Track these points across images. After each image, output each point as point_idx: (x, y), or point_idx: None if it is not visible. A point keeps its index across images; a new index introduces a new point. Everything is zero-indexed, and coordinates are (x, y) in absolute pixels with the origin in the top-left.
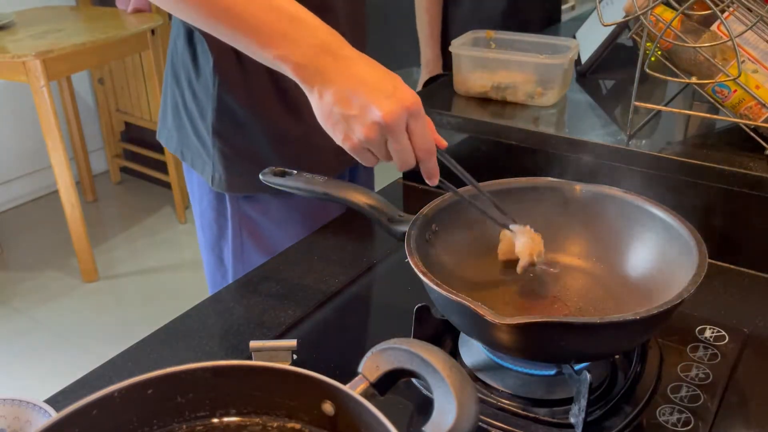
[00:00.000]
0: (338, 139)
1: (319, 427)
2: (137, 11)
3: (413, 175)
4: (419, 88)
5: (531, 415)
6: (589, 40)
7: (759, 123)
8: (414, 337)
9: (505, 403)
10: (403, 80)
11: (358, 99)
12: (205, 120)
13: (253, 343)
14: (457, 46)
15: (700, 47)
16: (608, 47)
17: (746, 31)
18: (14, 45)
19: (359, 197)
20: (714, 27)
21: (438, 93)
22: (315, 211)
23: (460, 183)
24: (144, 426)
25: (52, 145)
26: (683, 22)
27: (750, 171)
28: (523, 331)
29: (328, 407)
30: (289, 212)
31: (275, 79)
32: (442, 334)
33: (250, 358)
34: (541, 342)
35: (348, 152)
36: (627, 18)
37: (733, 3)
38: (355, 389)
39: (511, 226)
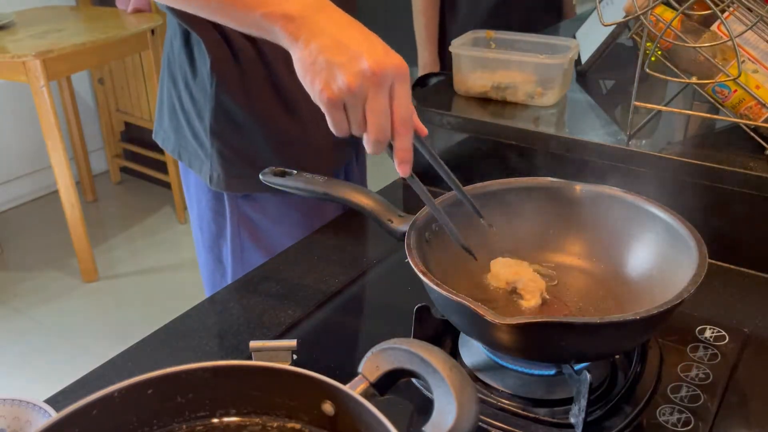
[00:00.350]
0: (316, 90)
1: (319, 427)
2: (137, 11)
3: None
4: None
5: (531, 415)
6: (589, 40)
7: (759, 123)
8: (414, 337)
9: (505, 403)
10: None
11: (348, 48)
12: (202, 120)
13: (253, 343)
14: (457, 46)
15: (700, 47)
16: (608, 47)
17: (746, 31)
18: (14, 45)
19: (359, 197)
20: (714, 27)
21: (438, 93)
22: (313, 210)
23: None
24: (144, 426)
25: (52, 145)
26: (683, 22)
27: (750, 171)
28: (523, 331)
29: (328, 407)
30: (288, 211)
31: (272, 78)
32: (442, 334)
33: (250, 358)
34: (541, 342)
35: (323, 107)
36: (627, 18)
37: (733, 3)
38: (355, 389)
39: (503, 260)
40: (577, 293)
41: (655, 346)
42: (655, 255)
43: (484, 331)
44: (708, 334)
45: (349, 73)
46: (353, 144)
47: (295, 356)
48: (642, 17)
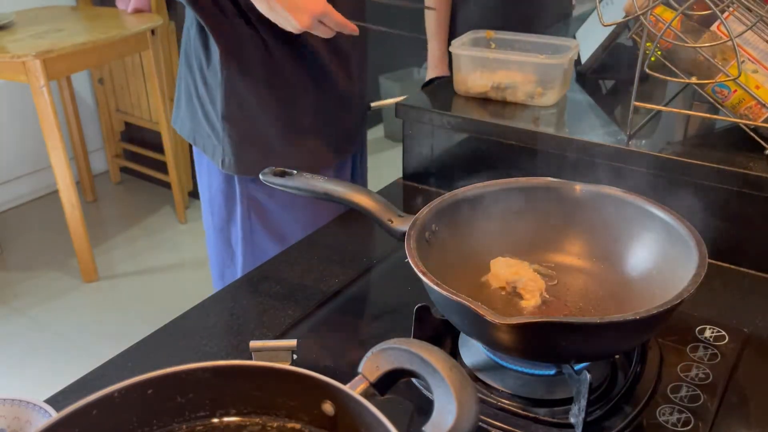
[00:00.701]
0: (296, 25)
1: (319, 427)
2: (137, 11)
3: (413, 175)
4: (425, 80)
5: (531, 415)
6: (589, 40)
7: (759, 123)
8: (414, 337)
9: (505, 403)
10: (404, 80)
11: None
12: (215, 106)
13: (253, 343)
14: (456, 46)
15: (700, 47)
16: (608, 47)
17: (746, 31)
18: (14, 45)
19: (359, 197)
20: (714, 27)
21: (438, 93)
22: None
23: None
24: (144, 426)
25: (52, 145)
26: (683, 22)
27: (750, 171)
28: (523, 331)
29: (328, 407)
30: (295, 195)
31: (278, 69)
32: (442, 334)
33: (250, 358)
34: (541, 342)
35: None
36: (627, 18)
37: (733, 3)
38: (355, 389)
39: (503, 260)
40: (577, 293)
41: (655, 346)
42: (655, 255)
43: (484, 331)
44: (708, 334)
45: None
46: (355, 137)
47: (295, 356)
48: (642, 17)
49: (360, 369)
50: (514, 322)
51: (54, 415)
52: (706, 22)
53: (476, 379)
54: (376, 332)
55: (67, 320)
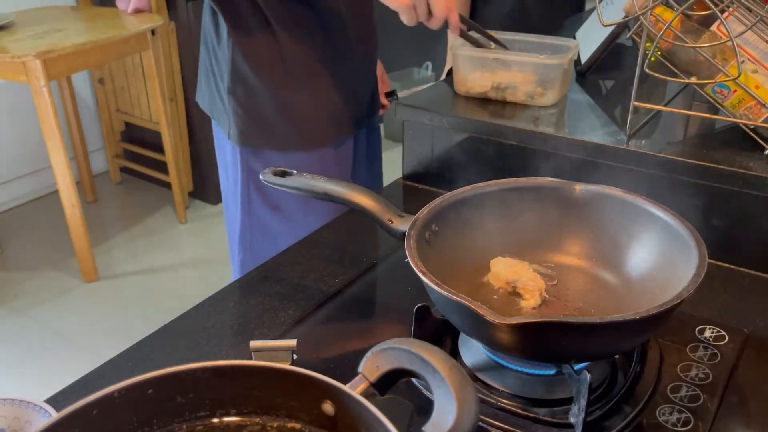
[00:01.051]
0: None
1: (319, 427)
2: (137, 11)
3: (413, 175)
4: (443, 76)
5: (531, 415)
6: (589, 40)
7: (759, 123)
8: (414, 337)
9: (505, 403)
10: (404, 80)
11: None
12: (223, 81)
13: (253, 343)
14: (456, 46)
15: (700, 47)
16: (608, 47)
17: (746, 31)
18: (14, 45)
19: (359, 197)
20: (714, 27)
21: (438, 93)
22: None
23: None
24: (144, 426)
25: (52, 145)
26: (683, 22)
27: (750, 171)
28: (522, 331)
29: (328, 407)
30: (290, 166)
31: (281, 50)
32: (442, 334)
33: (250, 358)
34: (541, 342)
35: (401, 12)
36: (627, 18)
37: (733, 3)
38: (355, 389)
39: (503, 260)
40: (577, 293)
41: (655, 346)
42: (655, 255)
43: (484, 331)
44: (708, 334)
45: None
46: (352, 121)
47: (295, 356)
48: (642, 17)
49: (360, 369)
50: (514, 322)
51: (54, 415)
52: (706, 22)
53: (476, 379)
54: (376, 332)
55: (67, 320)
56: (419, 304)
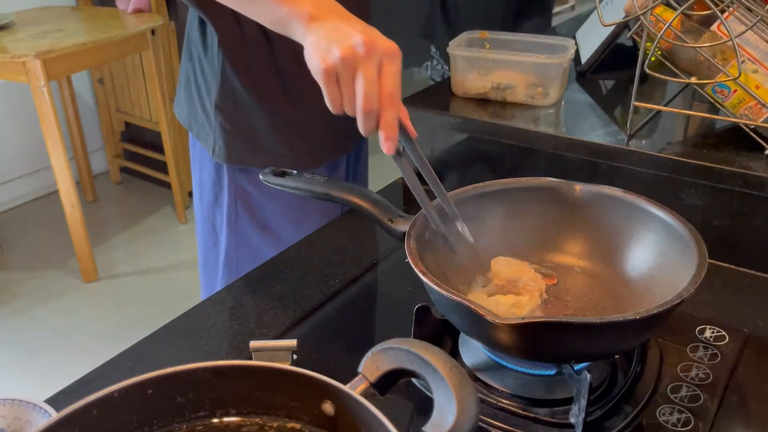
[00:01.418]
0: (315, 64)
1: (319, 427)
2: (137, 11)
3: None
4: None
5: (531, 415)
6: (589, 40)
7: (759, 123)
8: (414, 337)
9: (505, 403)
10: (404, 80)
11: (346, 30)
12: (210, 95)
13: (253, 343)
14: (454, 47)
15: (700, 47)
16: (608, 47)
17: (746, 31)
18: (14, 45)
19: (359, 197)
20: (714, 27)
21: (437, 93)
22: None
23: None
24: (144, 426)
25: (52, 145)
26: (683, 22)
27: (750, 171)
28: (522, 331)
29: (328, 407)
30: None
31: (276, 64)
32: (442, 334)
33: (250, 358)
34: (541, 342)
35: (320, 79)
36: (627, 18)
37: (733, 3)
38: (355, 389)
39: (503, 259)
40: (577, 293)
41: (655, 346)
42: (655, 255)
43: (484, 331)
44: (708, 334)
45: (343, 46)
46: (350, 136)
47: (295, 356)
48: (642, 17)
49: (360, 369)
50: (514, 322)
51: (54, 415)
52: (706, 22)
53: (476, 379)
54: (376, 332)
55: (67, 320)
56: (419, 304)
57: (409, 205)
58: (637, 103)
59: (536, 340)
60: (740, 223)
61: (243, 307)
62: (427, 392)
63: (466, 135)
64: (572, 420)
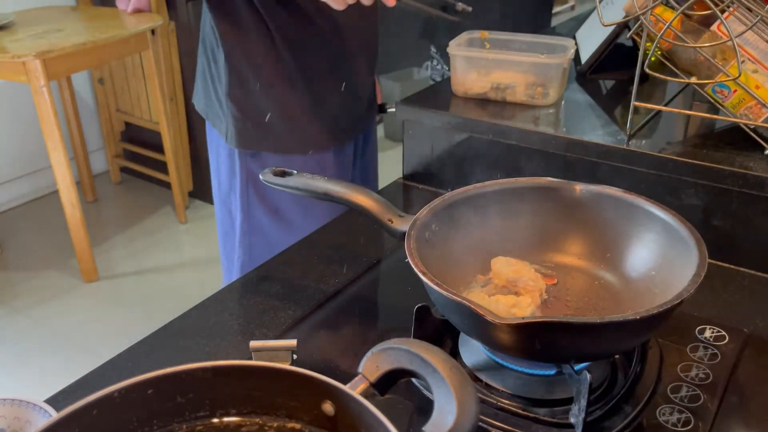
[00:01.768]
0: None
1: (319, 427)
2: (137, 11)
3: (413, 175)
4: None
5: (531, 415)
6: (589, 40)
7: (759, 123)
8: (414, 337)
9: (505, 403)
10: (404, 80)
11: None
12: (221, 84)
13: (253, 343)
14: (454, 47)
15: (700, 47)
16: (608, 47)
17: (746, 31)
18: (14, 45)
19: (359, 197)
20: (714, 27)
21: (437, 93)
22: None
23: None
24: (144, 426)
25: (52, 145)
26: (683, 22)
27: (750, 171)
28: (522, 331)
29: (328, 407)
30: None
31: (278, 54)
32: (442, 334)
33: (250, 358)
34: (541, 342)
35: None
36: (627, 18)
37: (733, 3)
38: (355, 389)
39: (504, 259)
40: (577, 293)
41: (655, 346)
42: (655, 255)
43: (484, 331)
44: (708, 334)
45: None
46: (355, 124)
47: (295, 356)
48: (642, 17)
49: (360, 369)
50: (514, 322)
51: (54, 415)
52: (706, 22)
53: (476, 379)
54: (376, 332)
55: (67, 320)
56: (419, 304)
57: (409, 205)
58: (637, 103)
59: (536, 340)
60: (740, 223)
61: (243, 307)
62: (427, 392)
63: (466, 135)
64: (572, 420)
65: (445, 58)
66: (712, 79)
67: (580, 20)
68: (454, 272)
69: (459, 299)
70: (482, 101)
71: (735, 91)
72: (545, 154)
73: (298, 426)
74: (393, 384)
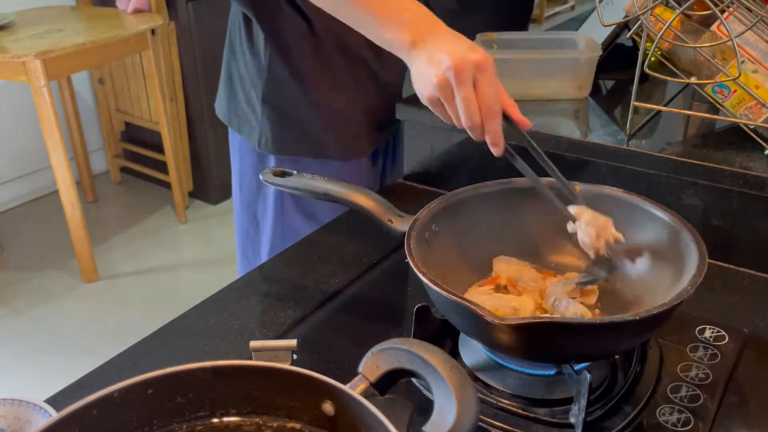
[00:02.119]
0: (422, 94)
1: (319, 427)
2: (137, 11)
3: (413, 175)
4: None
5: (531, 415)
6: None
7: (759, 123)
8: (414, 337)
9: (505, 403)
10: (404, 80)
11: (439, 57)
12: (256, 89)
13: (253, 343)
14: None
15: (700, 47)
16: (608, 47)
17: (746, 31)
18: (14, 45)
19: (359, 197)
20: (714, 27)
21: None
22: (350, 177)
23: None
24: (144, 426)
25: (52, 145)
26: (683, 22)
27: (750, 171)
28: (522, 331)
29: (328, 407)
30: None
31: (321, 55)
32: (442, 334)
33: (250, 358)
34: (541, 342)
35: (429, 106)
36: (627, 18)
37: (733, 3)
38: (355, 389)
39: (573, 209)
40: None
41: (655, 346)
42: (655, 255)
43: (484, 331)
44: (708, 334)
45: (438, 75)
46: (389, 125)
47: (295, 356)
48: (642, 17)
49: (360, 369)
50: (514, 323)
51: (54, 415)
52: (706, 22)
53: (476, 379)
54: (376, 332)
55: (67, 320)
56: (419, 304)
57: (409, 205)
58: (637, 103)
59: (536, 340)
60: (740, 223)
61: (243, 307)
62: (427, 392)
63: (466, 135)
64: (572, 420)
65: None
66: (712, 79)
67: (580, 20)
68: (454, 272)
69: (459, 299)
70: None
71: (735, 91)
72: (545, 154)
73: (298, 426)
74: (393, 384)
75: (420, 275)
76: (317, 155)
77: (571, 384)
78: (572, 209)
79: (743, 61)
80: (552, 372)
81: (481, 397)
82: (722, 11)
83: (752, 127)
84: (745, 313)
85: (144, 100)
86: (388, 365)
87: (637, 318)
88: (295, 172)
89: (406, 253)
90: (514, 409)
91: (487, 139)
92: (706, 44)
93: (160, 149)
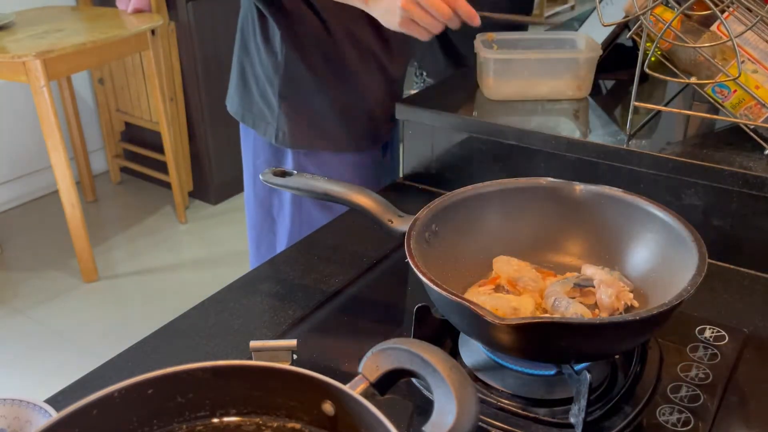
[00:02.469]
0: (394, 24)
1: (319, 427)
2: (137, 11)
3: (413, 175)
4: None
5: (531, 415)
6: None
7: (759, 123)
8: (414, 337)
9: (505, 403)
10: (406, 80)
11: None
12: (272, 85)
13: (253, 343)
14: (487, 51)
15: (700, 47)
16: (608, 47)
17: (746, 31)
18: (14, 45)
19: (359, 197)
20: (714, 27)
21: (436, 93)
22: (367, 171)
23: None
24: (144, 426)
25: (52, 145)
26: (683, 22)
27: (750, 171)
28: (522, 331)
29: (328, 407)
30: (345, 168)
31: (336, 50)
32: (442, 334)
33: (250, 358)
34: (541, 342)
35: (404, 30)
36: (627, 18)
37: (733, 3)
38: (355, 389)
39: (589, 271)
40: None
41: (655, 346)
42: (655, 255)
43: (483, 331)
44: (708, 334)
45: (401, 3)
46: (396, 122)
47: (295, 356)
48: (642, 17)
49: (360, 369)
50: (514, 323)
51: (54, 415)
52: (706, 22)
53: (476, 379)
54: (376, 332)
55: (67, 320)
56: (419, 304)
57: (409, 205)
58: (637, 103)
59: (536, 340)
60: (740, 223)
61: (243, 307)
62: (427, 392)
63: (466, 135)
64: (572, 420)
65: (427, 68)
66: (712, 79)
67: (580, 20)
68: (454, 272)
69: (459, 299)
70: (481, 101)
71: (735, 91)
72: (545, 154)
73: (298, 426)
74: (393, 384)
75: (420, 275)
76: (335, 148)
77: (571, 384)
78: (587, 269)
79: (743, 61)
80: (552, 372)
81: (481, 397)
82: (722, 11)
83: (752, 127)
84: (745, 313)
85: (144, 100)
86: (388, 365)
87: (637, 318)
88: (295, 172)
89: (406, 253)
90: (514, 409)
91: (464, 18)
92: (706, 44)
93: (160, 149)
